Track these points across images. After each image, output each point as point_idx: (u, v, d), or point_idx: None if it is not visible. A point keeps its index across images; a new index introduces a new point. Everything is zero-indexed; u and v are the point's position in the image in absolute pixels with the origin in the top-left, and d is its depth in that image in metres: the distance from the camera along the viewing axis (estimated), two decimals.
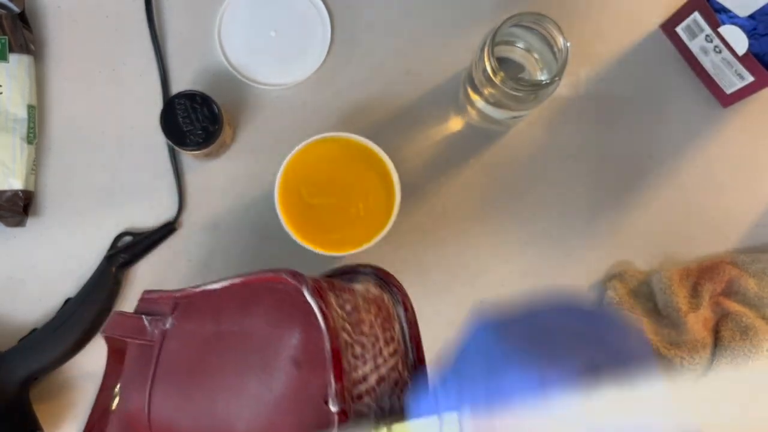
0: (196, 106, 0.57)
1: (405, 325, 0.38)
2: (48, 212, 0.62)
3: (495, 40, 0.52)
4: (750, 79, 0.58)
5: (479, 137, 0.64)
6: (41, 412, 0.60)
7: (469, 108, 0.62)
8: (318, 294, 0.35)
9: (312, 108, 0.64)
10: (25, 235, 0.62)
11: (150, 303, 0.46)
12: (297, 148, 0.56)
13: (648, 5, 0.65)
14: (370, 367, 0.35)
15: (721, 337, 0.60)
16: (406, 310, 0.38)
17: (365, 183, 0.58)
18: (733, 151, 0.64)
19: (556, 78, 0.51)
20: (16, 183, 0.59)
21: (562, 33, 0.52)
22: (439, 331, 0.63)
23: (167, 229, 0.62)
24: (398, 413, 0.35)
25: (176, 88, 0.63)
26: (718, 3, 0.56)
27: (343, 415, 0.32)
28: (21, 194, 0.59)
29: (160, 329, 0.43)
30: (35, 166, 0.62)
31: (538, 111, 0.64)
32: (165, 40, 0.64)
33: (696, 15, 0.59)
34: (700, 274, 0.62)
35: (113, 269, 0.60)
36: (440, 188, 0.63)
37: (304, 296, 0.34)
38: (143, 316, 0.45)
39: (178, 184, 0.62)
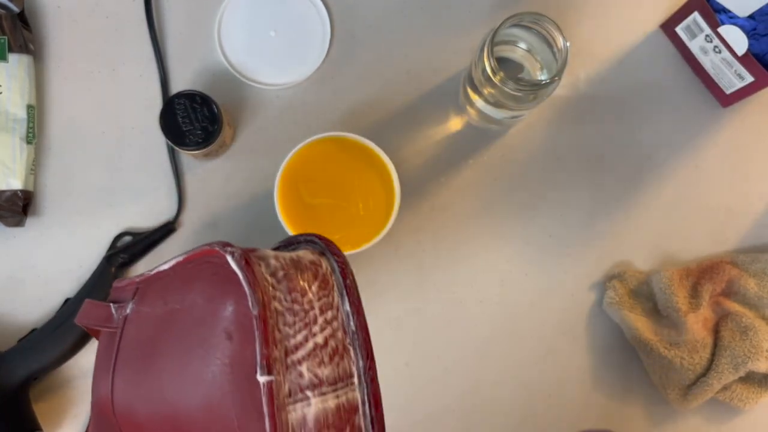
0: (196, 106, 0.57)
1: (344, 291, 0.37)
2: (47, 212, 0.62)
3: (495, 40, 0.52)
4: (750, 79, 0.58)
5: (479, 137, 0.64)
6: (41, 412, 0.60)
7: (469, 108, 0.62)
8: (245, 262, 0.34)
9: (312, 108, 0.64)
10: (24, 235, 0.62)
11: (119, 291, 0.46)
12: (297, 148, 0.56)
13: (648, 5, 0.65)
14: (304, 335, 0.34)
15: (721, 337, 0.60)
16: (344, 277, 0.37)
17: (365, 183, 0.58)
18: (733, 151, 0.64)
19: (556, 78, 0.51)
20: (15, 183, 0.59)
21: (561, 33, 0.52)
22: (439, 330, 0.63)
23: (167, 229, 0.62)
24: (340, 381, 0.35)
25: (176, 88, 0.63)
26: (718, 3, 0.56)
27: (272, 386, 0.32)
28: (20, 194, 0.59)
29: (123, 315, 0.43)
30: (35, 166, 0.62)
31: (538, 111, 0.64)
32: (165, 40, 0.64)
33: (696, 15, 0.59)
34: (700, 274, 0.62)
35: (113, 269, 0.60)
36: (440, 188, 0.63)
37: (235, 275, 0.34)
38: (111, 304, 0.45)
39: (178, 184, 0.62)
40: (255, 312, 0.32)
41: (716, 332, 0.61)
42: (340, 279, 0.37)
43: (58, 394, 0.61)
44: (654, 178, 0.64)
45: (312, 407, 0.33)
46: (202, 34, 0.64)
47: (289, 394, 0.33)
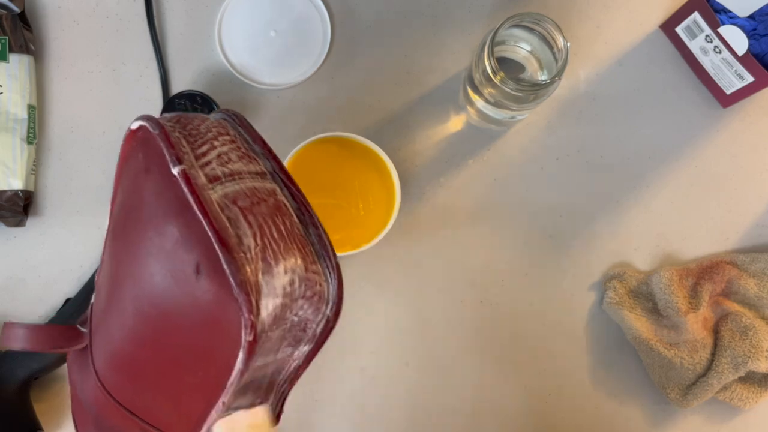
0: (196, 106, 0.57)
1: (241, 130, 0.40)
2: (48, 212, 0.62)
3: (495, 40, 0.52)
4: (750, 79, 0.58)
5: (479, 137, 0.64)
6: (41, 411, 0.60)
7: (469, 108, 0.62)
8: (142, 116, 0.38)
9: (312, 108, 0.64)
10: (25, 235, 0.62)
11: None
12: (297, 148, 0.56)
13: (648, 5, 0.65)
14: (208, 147, 0.37)
15: (721, 336, 0.60)
16: (234, 116, 0.41)
17: (365, 183, 0.58)
18: (733, 151, 0.64)
19: (556, 78, 0.52)
20: (16, 183, 0.59)
21: (562, 33, 0.52)
22: (439, 330, 0.63)
23: None
24: (253, 174, 0.37)
25: (176, 88, 0.63)
26: (718, 3, 0.56)
27: (186, 172, 0.34)
28: (21, 194, 0.60)
29: (88, 316, 0.43)
30: (35, 166, 0.62)
31: (538, 111, 0.64)
32: (165, 40, 0.64)
33: (696, 15, 0.59)
34: (700, 274, 0.62)
35: None
36: (440, 188, 0.63)
37: (140, 130, 0.37)
38: (77, 325, 0.44)
39: None
40: (156, 131, 0.36)
41: (716, 332, 0.61)
42: (230, 120, 0.41)
43: (58, 394, 0.61)
44: (654, 178, 0.64)
45: (231, 187, 0.35)
46: (202, 34, 0.64)
47: (207, 182, 0.35)
